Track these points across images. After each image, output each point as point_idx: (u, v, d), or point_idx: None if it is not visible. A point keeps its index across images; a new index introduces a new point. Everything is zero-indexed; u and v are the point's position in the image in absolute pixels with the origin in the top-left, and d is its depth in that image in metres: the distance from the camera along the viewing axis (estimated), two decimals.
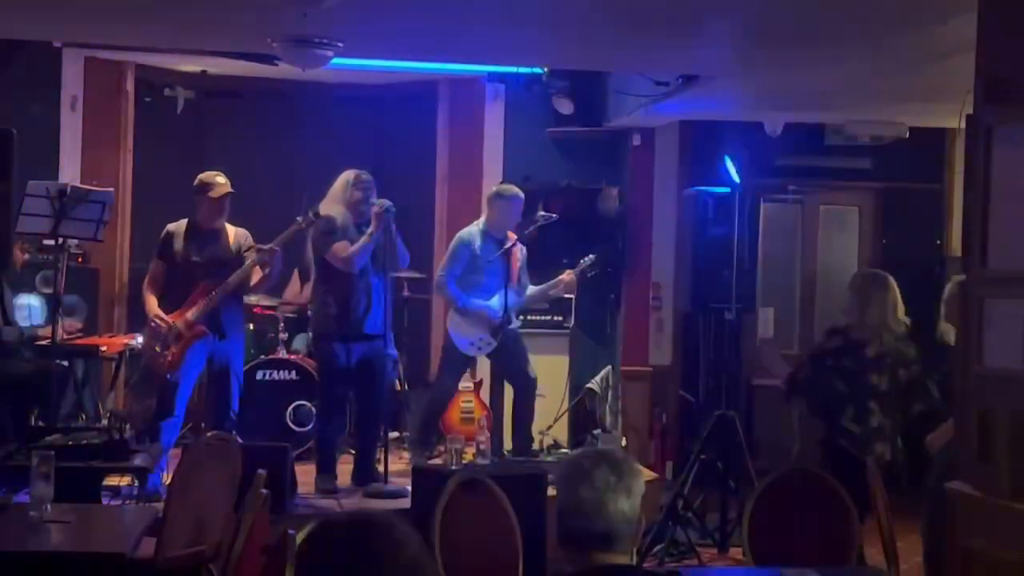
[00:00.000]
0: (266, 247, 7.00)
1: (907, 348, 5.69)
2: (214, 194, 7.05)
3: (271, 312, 8.75)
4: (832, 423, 5.67)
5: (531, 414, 8.09)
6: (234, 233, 7.19)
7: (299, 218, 7.11)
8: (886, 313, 5.64)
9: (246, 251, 7.10)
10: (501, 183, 8.33)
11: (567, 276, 7.97)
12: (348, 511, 5.94)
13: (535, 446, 8.28)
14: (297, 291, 9.04)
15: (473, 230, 7.90)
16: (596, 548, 2.83)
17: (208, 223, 7.11)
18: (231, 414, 7.11)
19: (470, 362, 8.11)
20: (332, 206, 7.30)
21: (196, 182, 7.14)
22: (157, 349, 6.99)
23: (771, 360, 6.25)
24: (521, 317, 8.17)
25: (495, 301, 7.79)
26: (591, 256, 8.04)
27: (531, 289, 8.02)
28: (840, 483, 4.79)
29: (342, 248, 7.21)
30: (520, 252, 7.96)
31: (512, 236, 7.88)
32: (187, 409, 7.27)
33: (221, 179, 7.13)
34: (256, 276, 7.10)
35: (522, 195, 7.90)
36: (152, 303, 7.05)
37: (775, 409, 8.12)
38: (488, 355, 8.00)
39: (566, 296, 8.64)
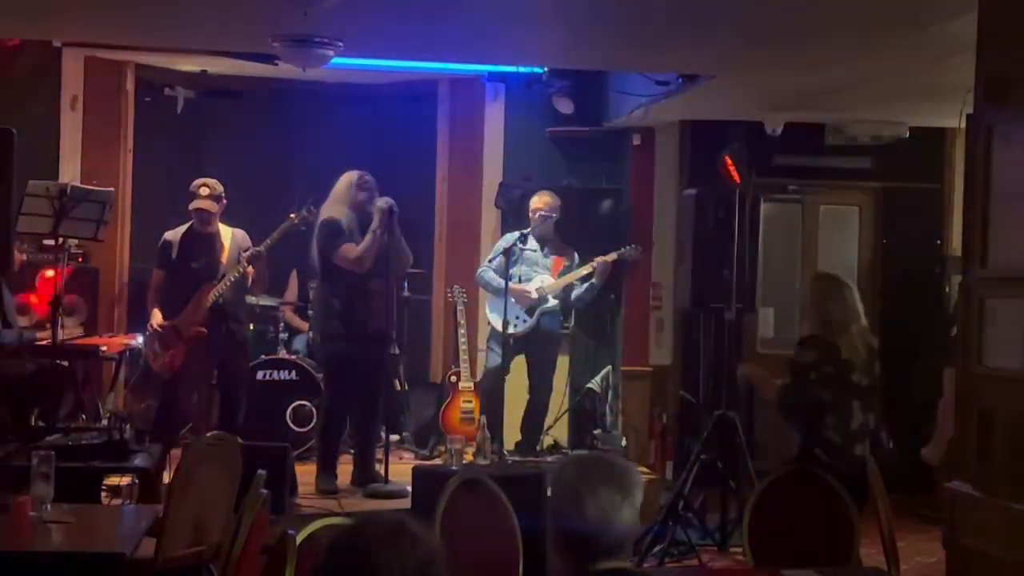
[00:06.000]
0: (248, 251, 7.18)
1: (874, 342, 5.64)
2: (192, 206, 7.21)
3: (271, 312, 8.74)
4: (809, 434, 5.54)
5: (543, 416, 8.27)
6: (231, 236, 7.23)
7: (292, 214, 7.17)
8: (846, 311, 5.60)
9: (244, 252, 7.17)
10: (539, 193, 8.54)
11: (599, 260, 8.18)
12: (359, 512, 5.94)
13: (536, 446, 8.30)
14: (295, 292, 9.04)
15: (515, 233, 8.25)
16: (599, 558, 2.84)
17: (201, 228, 7.19)
18: (238, 418, 7.16)
19: (516, 343, 8.12)
20: (336, 207, 7.32)
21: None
22: (157, 349, 7.05)
23: (757, 380, 6.18)
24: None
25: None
26: (635, 246, 8.39)
27: (550, 281, 8.23)
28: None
29: (350, 249, 7.22)
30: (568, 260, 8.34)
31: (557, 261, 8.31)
32: (189, 410, 7.30)
33: (204, 190, 7.19)
34: (250, 277, 7.24)
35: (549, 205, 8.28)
36: (156, 315, 7.18)
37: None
38: (525, 344, 8.13)
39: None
